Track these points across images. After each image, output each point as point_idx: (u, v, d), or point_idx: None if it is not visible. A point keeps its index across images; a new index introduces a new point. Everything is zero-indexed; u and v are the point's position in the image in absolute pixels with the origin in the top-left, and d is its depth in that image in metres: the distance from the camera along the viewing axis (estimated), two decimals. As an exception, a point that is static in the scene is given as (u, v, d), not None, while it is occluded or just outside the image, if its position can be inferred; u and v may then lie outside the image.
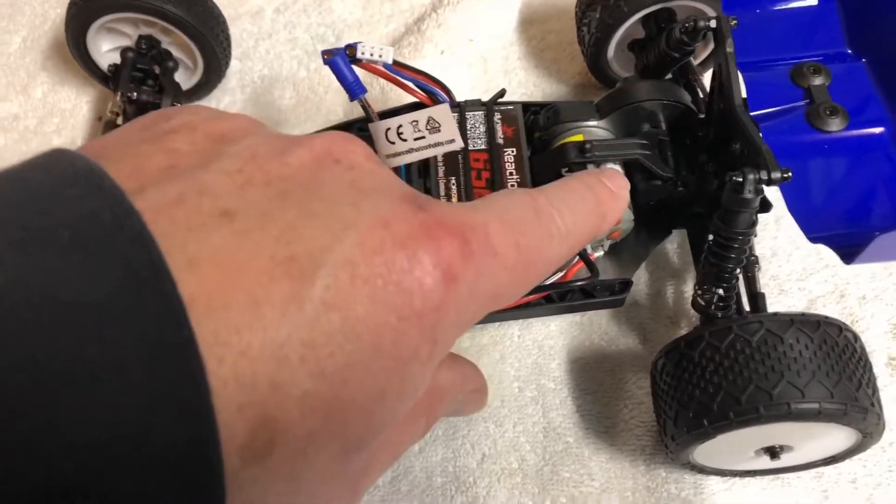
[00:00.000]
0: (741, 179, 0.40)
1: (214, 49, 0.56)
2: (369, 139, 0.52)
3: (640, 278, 0.51)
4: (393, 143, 0.46)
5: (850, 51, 0.46)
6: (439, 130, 0.46)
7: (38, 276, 0.12)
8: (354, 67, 0.48)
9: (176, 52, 0.57)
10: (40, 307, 0.12)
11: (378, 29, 0.64)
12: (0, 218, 0.13)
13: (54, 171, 0.14)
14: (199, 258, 0.13)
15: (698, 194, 0.48)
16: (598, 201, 0.22)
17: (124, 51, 0.55)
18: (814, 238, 0.44)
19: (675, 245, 0.53)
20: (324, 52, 0.47)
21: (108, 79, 0.57)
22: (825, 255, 0.52)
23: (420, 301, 0.16)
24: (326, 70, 0.62)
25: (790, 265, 0.52)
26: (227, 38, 0.58)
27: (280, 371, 0.14)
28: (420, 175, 0.49)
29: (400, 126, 0.46)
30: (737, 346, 0.39)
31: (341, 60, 0.46)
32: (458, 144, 0.45)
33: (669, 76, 0.53)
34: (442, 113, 0.46)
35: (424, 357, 0.17)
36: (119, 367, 0.12)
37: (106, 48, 0.57)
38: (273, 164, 0.16)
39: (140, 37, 0.56)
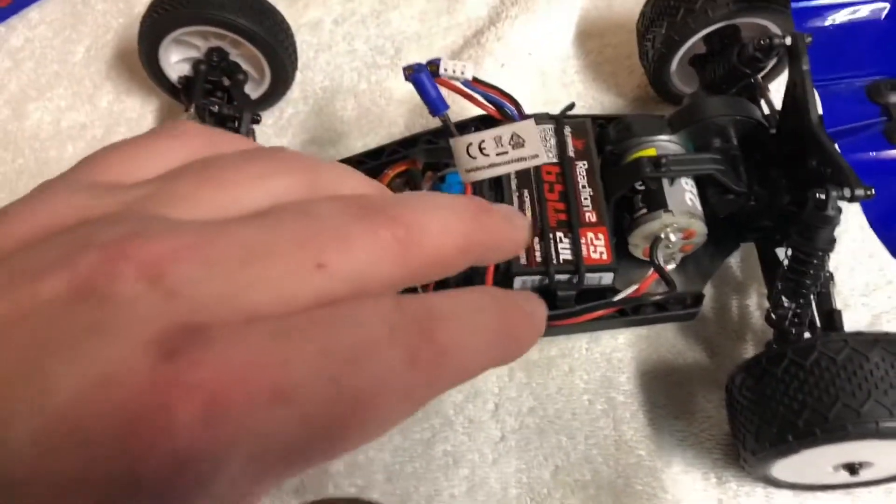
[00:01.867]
0: (824, 197, 0.40)
1: (283, 61, 0.57)
2: (439, 153, 0.53)
3: (706, 292, 0.52)
4: (474, 158, 0.46)
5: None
6: (523, 146, 0.46)
7: None
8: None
9: (244, 64, 0.58)
10: None
11: (436, 41, 0.65)
12: None
13: None
14: None
15: (769, 208, 0.48)
16: (505, 318, 0.16)
17: (196, 63, 0.56)
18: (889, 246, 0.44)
19: (737, 259, 0.54)
20: (405, 69, 0.48)
21: (177, 90, 0.58)
22: (888, 271, 0.53)
23: (133, 492, 0.13)
24: (388, 82, 0.63)
25: (853, 280, 0.53)
26: (295, 51, 0.58)
27: None
28: (492, 188, 0.49)
29: (483, 141, 0.47)
30: (821, 363, 0.39)
31: (426, 77, 0.47)
32: (542, 159, 0.46)
33: (733, 91, 0.53)
34: (527, 128, 0.47)
35: None
36: None
37: (175, 59, 0.58)
38: (22, 293, 0.13)
39: (210, 49, 0.56)
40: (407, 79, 0.48)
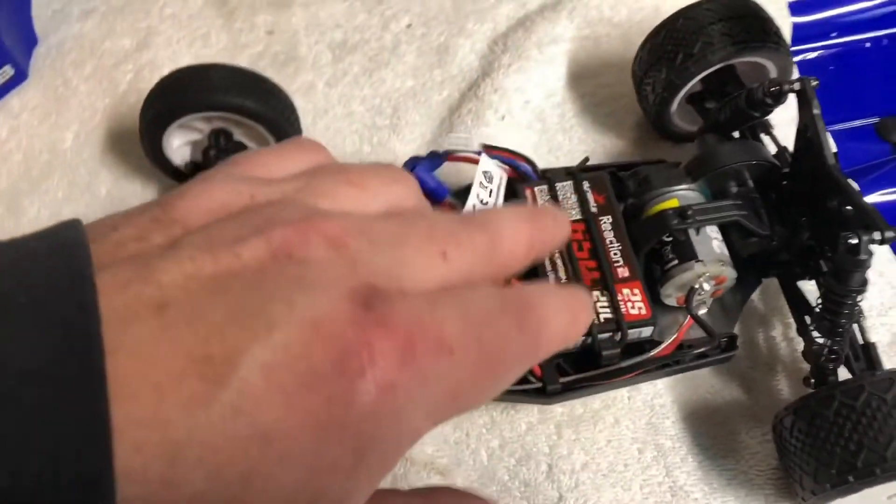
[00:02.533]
0: (857, 241, 0.42)
1: (291, 136, 0.56)
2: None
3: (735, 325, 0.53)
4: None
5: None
6: (491, 179, 0.49)
7: None
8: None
9: (249, 142, 0.57)
10: None
11: (432, 97, 0.65)
12: None
13: (49, 239, 0.15)
14: (120, 347, 0.14)
15: (789, 245, 0.50)
16: (568, 302, 0.20)
17: (206, 150, 0.55)
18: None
19: (756, 292, 0.55)
20: (406, 165, 0.49)
21: (180, 173, 0.57)
22: (900, 287, 0.55)
23: (343, 410, 0.15)
24: (390, 143, 0.63)
25: (869, 300, 0.55)
26: (299, 124, 0.58)
27: (173, 469, 0.14)
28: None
29: (478, 195, 0.48)
30: (872, 403, 0.41)
31: (422, 171, 0.48)
32: (499, 174, 0.49)
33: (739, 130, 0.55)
34: (487, 164, 0.49)
35: (347, 468, 0.16)
36: (31, 436, 0.13)
37: (178, 144, 0.57)
38: (225, 254, 0.16)
39: (213, 131, 0.56)
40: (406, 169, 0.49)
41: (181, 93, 0.52)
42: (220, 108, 0.53)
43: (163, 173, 0.59)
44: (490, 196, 0.49)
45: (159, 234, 0.17)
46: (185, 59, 0.67)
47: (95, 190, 0.62)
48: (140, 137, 0.56)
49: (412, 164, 0.49)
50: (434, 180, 0.49)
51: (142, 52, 0.68)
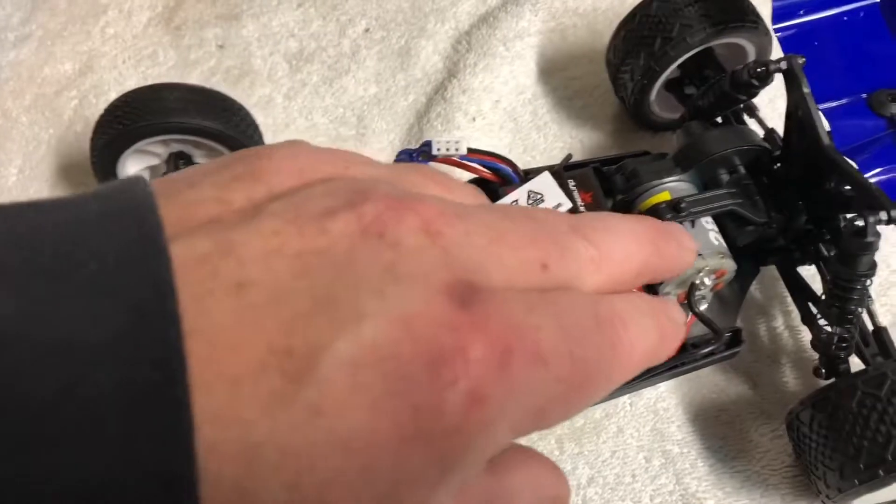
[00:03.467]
0: (863, 224, 0.40)
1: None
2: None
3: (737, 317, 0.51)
4: (494, 235, 0.44)
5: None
6: (543, 200, 0.45)
7: (49, 308, 0.12)
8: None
9: (209, 164, 0.54)
10: (39, 345, 0.12)
11: (398, 102, 0.62)
12: (39, 242, 0.13)
13: (113, 199, 0.14)
14: (195, 331, 0.12)
15: (786, 231, 0.48)
16: (660, 324, 0.19)
17: (164, 175, 0.51)
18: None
19: (755, 283, 0.53)
20: (397, 161, 0.45)
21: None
22: (895, 266, 0.53)
23: (432, 421, 0.14)
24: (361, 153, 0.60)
25: (866, 281, 0.53)
26: (262, 140, 0.55)
27: (250, 476, 0.13)
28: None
29: None
30: (896, 391, 0.39)
31: None
32: (568, 204, 0.45)
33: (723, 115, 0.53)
34: (542, 182, 0.45)
35: (432, 481, 0.14)
36: (99, 420, 0.12)
37: (134, 170, 0.53)
38: (312, 228, 0.14)
39: (171, 155, 0.52)
40: None
41: (134, 117, 0.48)
42: (178, 131, 0.49)
43: (117, 203, 0.55)
44: None
45: (240, 195, 0.15)
46: (133, 81, 0.63)
47: (45, 226, 0.58)
48: (92, 167, 0.52)
49: (412, 159, 0.46)
50: None
51: (85, 77, 0.64)
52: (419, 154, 0.46)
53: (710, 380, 0.50)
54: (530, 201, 0.45)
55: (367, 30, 0.66)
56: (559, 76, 0.63)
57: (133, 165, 0.53)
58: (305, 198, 0.15)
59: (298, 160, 0.17)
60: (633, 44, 0.54)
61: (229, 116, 0.50)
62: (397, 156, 0.47)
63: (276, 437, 0.13)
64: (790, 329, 0.51)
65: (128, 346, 0.12)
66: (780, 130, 0.48)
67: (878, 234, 0.40)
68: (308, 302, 0.13)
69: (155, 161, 0.53)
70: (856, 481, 0.39)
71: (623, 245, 0.19)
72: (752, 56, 0.55)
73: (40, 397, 0.11)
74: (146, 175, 0.54)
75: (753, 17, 0.52)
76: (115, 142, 0.49)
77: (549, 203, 0.45)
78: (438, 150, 0.45)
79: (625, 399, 0.49)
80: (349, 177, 0.17)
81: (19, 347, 0.12)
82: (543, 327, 0.15)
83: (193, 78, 0.64)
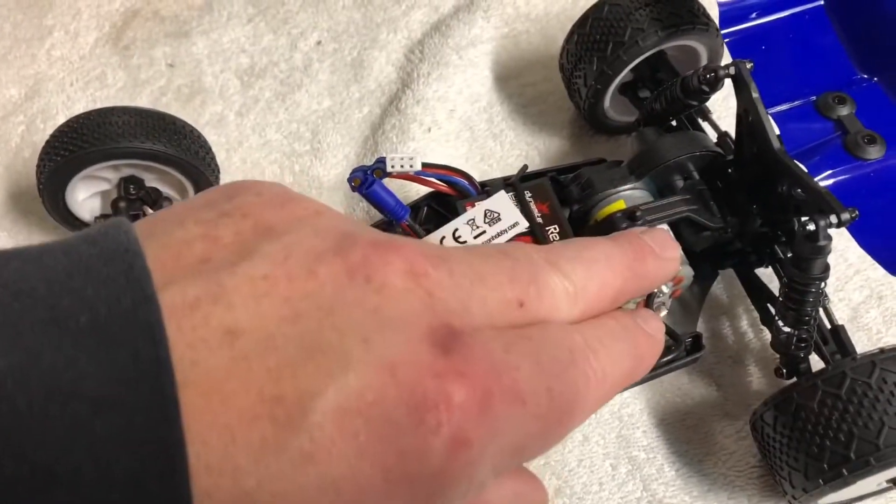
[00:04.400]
0: (815, 228, 0.40)
1: (207, 177, 0.52)
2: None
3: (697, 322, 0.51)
4: (451, 252, 0.44)
5: (863, 75, 0.48)
6: (499, 219, 0.45)
7: (46, 361, 0.12)
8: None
9: (163, 188, 0.53)
10: (37, 396, 0.12)
11: (352, 115, 0.62)
12: (35, 295, 0.13)
13: (100, 244, 0.14)
14: (188, 381, 0.13)
15: (741, 234, 0.48)
16: (635, 344, 0.20)
17: (115, 202, 0.50)
18: (881, 259, 0.45)
19: (715, 283, 0.54)
20: (351, 181, 0.45)
21: (89, 229, 0.53)
22: (852, 259, 0.54)
23: (417, 465, 0.14)
24: (313, 169, 0.60)
25: (823, 277, 0.53)
26: (215, 161, 0.54)
27: None
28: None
29: (456, 230, 0.44)
30: (857, 390, 0.39)
31: (379, 187, 0.44)
32: (524, 224, 0.45)
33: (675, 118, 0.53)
34: (499, 201, 0.45)
35: None
36: (104, 468, 0.12)
37: (83, 197, 0.52)
38: (300, 272, 0.15)
39: (122, 180, 0.51)
40: (355, 191, 0.45)
41: (79, 143, 0.47)
42: (126, 157, 0.48)
43: (71, 232, 0.54)
44: (475, 240, 0.45)
45: (228, 230, 0.15)
46: (81, 105, 0.62)
47: (-4, 257, 0.56)
48: (40, 195, 0.51)
49: (365, 180, 0.45)
50: (393, 198, 0.46)
51: (32, 101, 0.62)
52: (373, 170, 0.45)
53: (673, 383, 0.50)
54: (486, 220, 0.45)
55: (318, 42, 0.66)
56: (514, 83, 0.63)
57: (83, 192, 0.52)
58: (295, 240, 0.15)
59: (285, 192, 0.17)
60: (586, 49, 0.54)
61: (179, 139, 0.49)
62: (352, 173, 0.46)
63: (268, 484, 0.13)
64: (752, 329, 0.52)
65: (124, 397, 0.12)
66: (733, 132, 0.49)
67: (829, 238, 0.41)
68: (297, 349, 0.14)
69: (105, 186, 0.52)
70: (820, 481, 0.40)
71: (599, 275, 0.19)
72: (704, 57, 0.55)
73: (41, 448, 0.12)
74: (97, 201, 0.53)
75: (704, 20, 0.52)
76: (60, 170, 0.48)
77: (505, 221, 0.45)
78: (393, 166, 0.45)
79: (590, 407, 0.49)
80: (337, 215, 0.17)
81: (19, 399, 0.12)
82: (521, 366, 0.16)
83: (144, 98, 0.63)
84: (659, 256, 0.21)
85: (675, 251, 0.22)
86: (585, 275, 0.19)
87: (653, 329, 0.21)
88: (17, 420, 0.12)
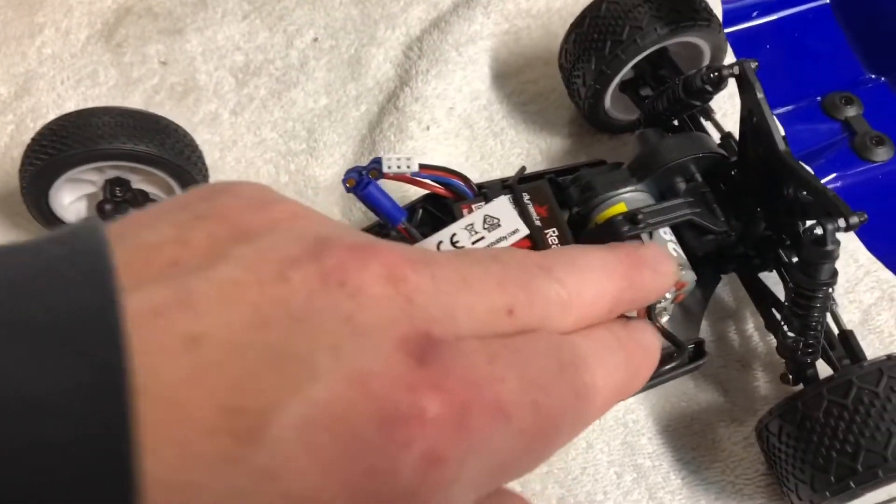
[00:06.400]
0: (822, 232, 0.39)
1: (194, 177, 0.51)
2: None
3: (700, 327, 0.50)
4: (449, 258, 0.43)
5: (871, 75, 0.46)
6: (499, 225, 0.44)
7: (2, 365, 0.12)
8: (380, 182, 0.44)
9: (150, 188, 0.52)
10: None
11: (349, 113, 0.61)
12: None
13: (69, 244, 0.13)
14: (146, 389, 0.12)
15: (745, 238, 0.47)
16: (629, 357, 0.19)
17: (100, 204, 0.49)
18: (890, 264, 0.43)
19: (722, 285, 0.52)
20: (345, 181, 0.44)
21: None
22: (862, 260, 0.53)
23: (386, 484, 0.13)
24: (309, 169, 0.58)
25: (832, 279, 0.52)
26: (203, 162, 0.53)
27: None
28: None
29: (454, 235, 0.43)
30: (863, 399, 0.38)
31: (374, 189, 0.43)
32: (524, 231, 0.43)
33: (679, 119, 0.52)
34: (499, 206, 0.44)
35: None
36: (50, 481, 0.11)
37: (69, 200, 0.51)
38: (272, 277, 0.14)
39: (108, 182, 0.50)
40: (350, 191, 0.44)
41: (61, 146, 0.46)
42: (109, 158, 0.47)
43: (60, 234, 0.52)
44: (473, 245, 0.44)
45: (202, 234, 0.15)
46: (72, 103, 0.61)
47: (-14, 261, 0.55)
48: (23, 199, 0.50)
49: (360, 181, 0.44)
50: (389, 200, 0.44)
51: (22, 100, 0.61)
52: (368, 171, 0.44)
53: (678, 389, 0.49)
54: (486, 225, 0.44)
55: (315, 39, 0.64)
56: (514, 80, 0.62)
57: (68, 195, 0.50)
58: (269, 244, 0.15)
59: (265, 194, 0.16)
60: (584, 48, 0.53)
61: (163, 139, 0.48)
62: (346, 173, 0.45)
63: (224, 502, 0.12)
64: (759, 332, 0.51)
65: (78, 404, 0.11)
66: (738, 133, 0.47)
67: (837, 242, 0.40)
68: (262, 358, 0.13)
69: (91, 189, 0.51)
70: (827, 493, 0.38)
71: (594, 283, 0.18)
72: (707, 54, 0.54)
73: None
74: (83, 204, 0.52)
75: (705, 16, 0.51)
76: (43, 173, 0.47)
77: (505, 228, 0.44)
78: (389, 167, 0.44)
79: (592, 414, 0.48)
80: (317, 217, 0.16)
81: None
82: (506, 378, 0.15)
83: (136, 96, 0.61)
84: (655, 269, 0.20)
85: (671, 266, 0.21)
86: (580, 282, 0.18)
87: (649, 341, 0.20)
88: None
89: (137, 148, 0.47)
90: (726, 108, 0.57)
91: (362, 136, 0.60)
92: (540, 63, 0.62)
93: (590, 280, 0.18)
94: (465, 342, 0.15)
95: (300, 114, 0.61)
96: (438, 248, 0.43)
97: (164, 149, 0.49)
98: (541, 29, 0.64)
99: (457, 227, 0.44)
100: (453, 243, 0.44)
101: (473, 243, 0.43)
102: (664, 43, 0.51)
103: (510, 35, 0.64)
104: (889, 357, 0.39)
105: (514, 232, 0.44)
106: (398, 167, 0.44)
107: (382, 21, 0.64)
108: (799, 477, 0.40)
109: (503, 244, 0.44)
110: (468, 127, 0.60)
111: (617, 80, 0.53)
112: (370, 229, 0.49)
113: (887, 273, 0.52)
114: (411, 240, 0.44)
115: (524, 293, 0.16)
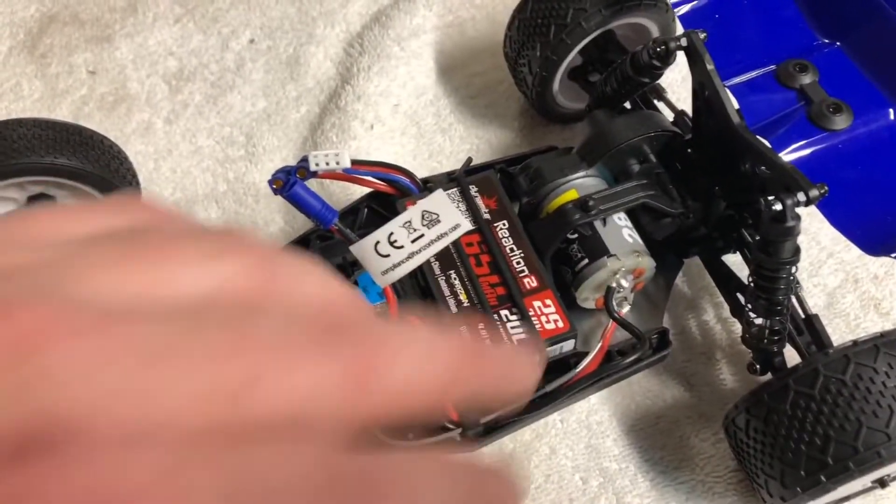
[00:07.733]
0: (781, 207, 0.37)
1: (122, 190, 0.48)
2: (338, 248, 0.46)
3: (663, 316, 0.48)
4: (387, 255, 0.40)
5: (825, 40, 0.44)
6: (439, 221, 0.41)
7: None
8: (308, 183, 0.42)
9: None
10: None
11: (289, 115, 0.58)
12: None
13: None
14: None
15: (705, 219, 0.45)
16: (469, 488, 0.12)
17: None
18: (854, 238, 0.41)
19: (680, 277, 0.50)
20: (271, 182, 0.41)
21: None
22: (824, 242, 0.51)
23: None
24: (249, 176, 0.55)
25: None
26: (133, 172, 0.50)
27: None
28: (416, 284, 0.43)
29: (391, 234, 0.41)
30: (830, 388, 0.36)
31: (301, 189, 0.40)
32: (466, 226, 0.41)
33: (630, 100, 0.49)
34: (437, 201, 0.41)
35: None
36: None
37: (-11, 220, 0.47)
38: None
39: (31, 198, 0.47)
40: (277, 193, 0.41)
41: (-26, 161, 0.43)
42: (27, 173, 0.44)
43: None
44: (413, 244, 0.41)
45: None
46: (-5, 118, 0.57)
47: None
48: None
49: (287, 182, 0.41)
50: (319, 201, 0.42)
51: (-59, 118, 0.58)
52: (296, 171, 0.42)
53: (642, 386, 0.46)
54: (424, 222, 0.41)
55: (251, 41, 0.62)
56: (460, 74, 0.59)
57: (-11, 214, 0.47)
58: None
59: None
60: (528, 34, 0.50)
61: (86, 151, 0.45)
62: (273, 175, 0.42)
63: None
64: (722, 321, 0.48)
65: None
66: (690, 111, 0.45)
67: (798, 217, 0.37)
68: None
69: (13, 206, 0.47)
70: (798, 489, 0.36)
71: (415, 352, 0.13)
72: (655, 35, 0.52)
73: None
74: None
75: (651, -5, 0.49)
76: (-43, 192, 0.43)
77: (445, 223, 0.41)
78: (317, 164, 0.41)
79: (555, 416, 0.45)
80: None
81: None
82: None
83: (63, 109, 0.58)
84: (507, 371, 0.14)
85: (534, 370, 0.14)
86: (392, 346, 0.12)
87: (507, 489, 0.12)
88: None
89: (58, 161, 0.44)
90: (680, 91, 0.55)
91: (303, 139, 0.57)
92: (487, 55, 0.60)
93: (410, 350, 0.13)
94: (126, 444, 0.10)
95: (237, 118, 0.58)
96: (376, 248, 0.41)
97: (88, 161, 0.45)
98: (486, 19, 0.62)
99: (394, 226, 0.41)
100: (391, 243, 0.41)
101: (413, 241, 0.41)
102: (610, 25, 0.49)
103: (454, 27, 0.61)
104: (855, 343, 0.36)
105: (456, 227, 0.41)
106: (326, 164, 0.41)
107: (321, 18, 0.62)
108: (768, 473, 0.37)
109: (445, 242, 0.41)
110: (414, 124, 0.57)
111: (564, 66, 0.51)
112: (309, 235, 0.46)
113: (850, 253, 0.50)
114: (347, 242, 0.41)
115: (272, 365, 0.11)
